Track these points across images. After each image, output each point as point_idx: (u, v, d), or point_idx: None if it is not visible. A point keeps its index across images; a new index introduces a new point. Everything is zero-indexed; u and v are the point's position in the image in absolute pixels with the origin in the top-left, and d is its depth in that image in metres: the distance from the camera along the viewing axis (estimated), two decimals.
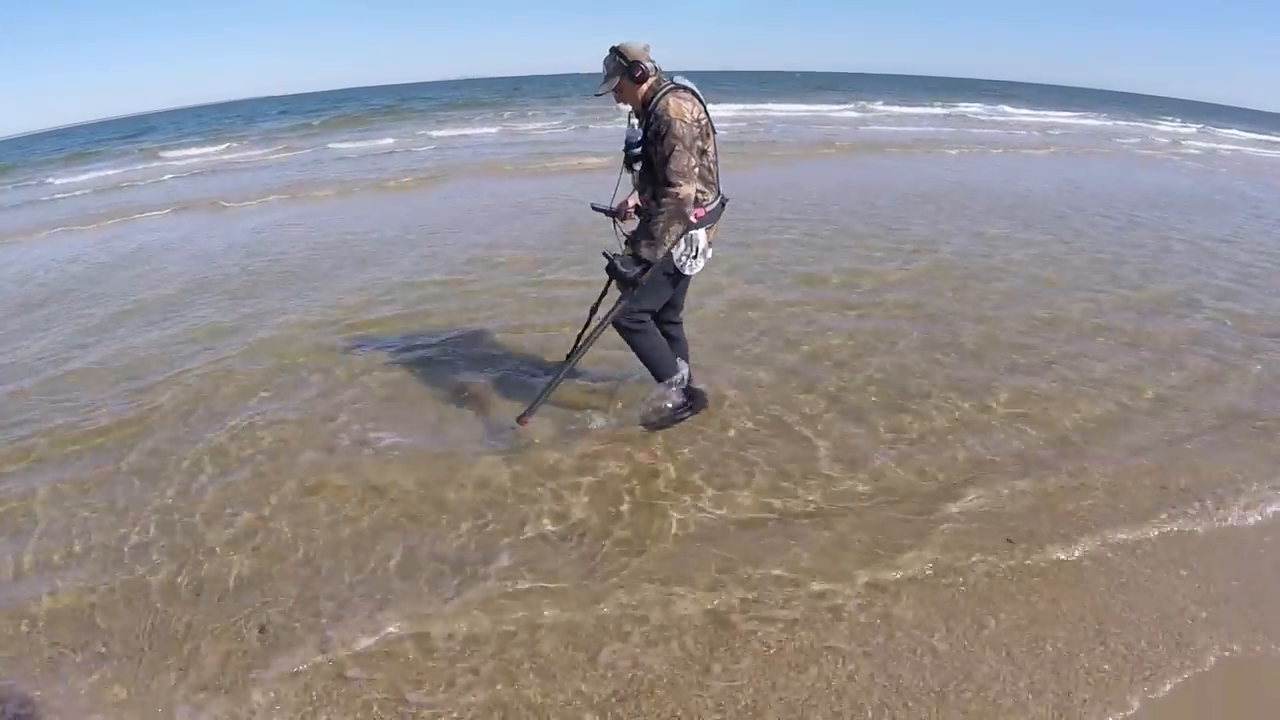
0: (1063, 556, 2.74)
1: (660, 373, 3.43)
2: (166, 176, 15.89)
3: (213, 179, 14.80)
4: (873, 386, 4.09)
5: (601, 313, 3.56)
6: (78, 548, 2.90)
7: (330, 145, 19.53)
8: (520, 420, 3.33)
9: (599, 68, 3.05)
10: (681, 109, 2.91)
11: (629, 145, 3.10)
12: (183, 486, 3.25)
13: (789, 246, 7.16)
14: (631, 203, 3.37)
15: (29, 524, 3.08)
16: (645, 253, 3.02)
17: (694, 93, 3.01)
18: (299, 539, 2.88)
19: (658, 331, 3.40)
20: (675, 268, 3.18)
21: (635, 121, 3.10)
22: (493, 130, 21.52)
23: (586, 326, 3.83)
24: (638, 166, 3.13)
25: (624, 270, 3.04)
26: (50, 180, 16.77)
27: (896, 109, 31.25)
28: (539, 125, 22.49)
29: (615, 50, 2.99)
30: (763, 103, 30.46)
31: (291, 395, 4.09)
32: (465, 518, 2.96)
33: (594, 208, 3.51)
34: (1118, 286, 6.09)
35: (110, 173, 17.70)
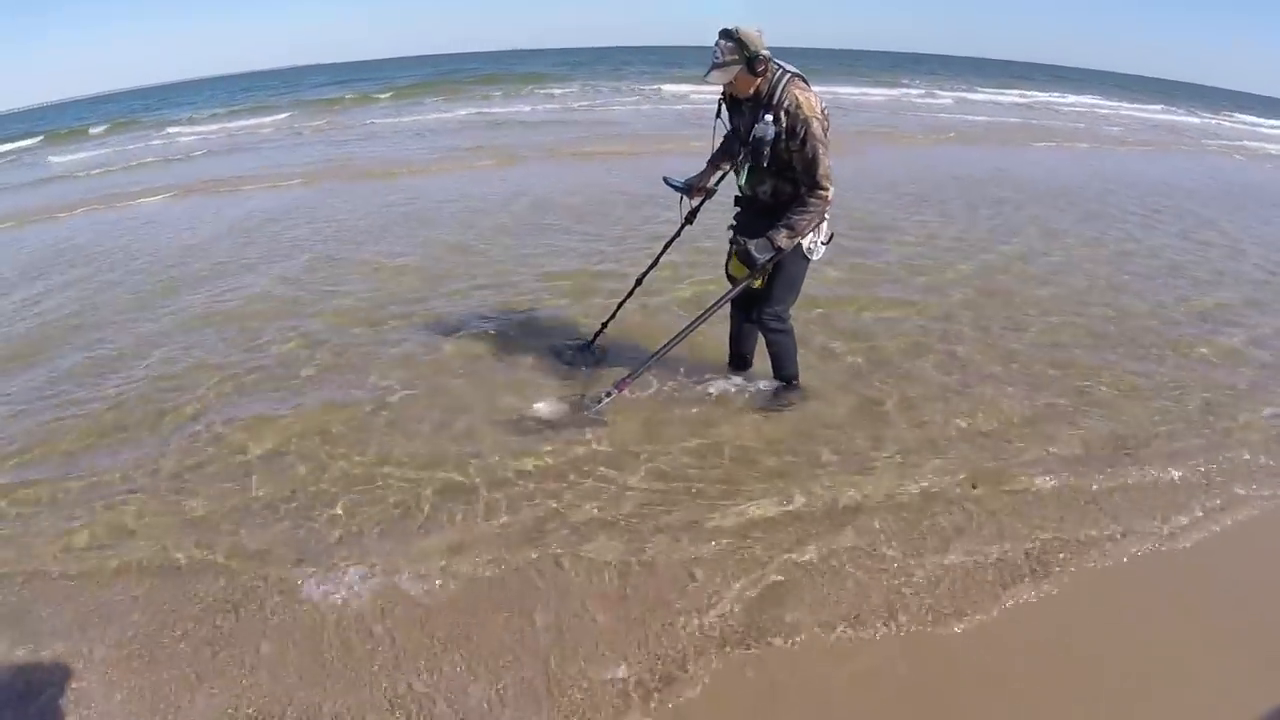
0: None
1: (793, 374, 3.61)
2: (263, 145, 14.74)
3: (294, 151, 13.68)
4: None
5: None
6: None
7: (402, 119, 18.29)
8: (619, 385, 3.34)
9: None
10: (812, 104, 2.90)
11: (760, 141, 2.95)
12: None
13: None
14: (703, 183, 3.47)
15: None
16: (784, 241, 3.04)
17: (804, 80, 2.96)
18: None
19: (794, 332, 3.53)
20: (805, 256, 3.21)
21: (766, 116, 2.91)
22: (542, 108, 20.16)
23: (629, 296, 3.98)
24: (765, 162, 3.02)
25: (757, 255, 3.06)
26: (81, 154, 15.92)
27: (959, 94, 29.26)
28: (599, 102, 21.29)
29: (734, 37, 2.83)
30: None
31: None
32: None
33: (666, 181, 3.58)
34: None
35: (138, 146, 16.73)
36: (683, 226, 3.65)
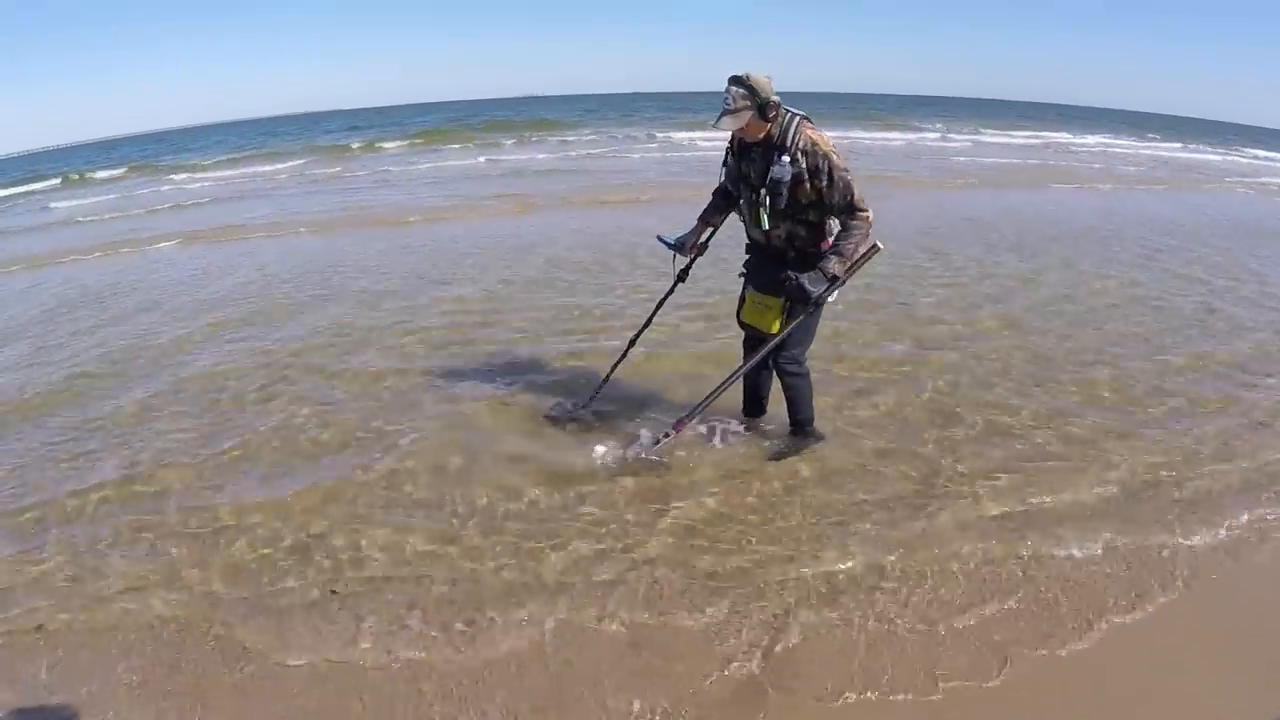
0: None
1: (809, 418, 3.53)
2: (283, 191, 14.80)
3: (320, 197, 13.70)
4: None
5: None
6: None
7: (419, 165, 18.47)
8: (676, 426, 3.33)
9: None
10: (826, 140, 2.95)
11: (777, 183, 2.95)
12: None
13: None
14: (695, 240, 3.49)
15: None
16: (836, 269, 3.02)
17: (810, 121, 3.00)
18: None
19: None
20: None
21: (782, 158, 2.93)
22: (554, 155, 20.32)
23: (623, 356, 3.94)
24: (783, 205, 3.02)
25: (811, 289, 3.01)
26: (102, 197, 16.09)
27: (973, 136, 29.34)
28: (600, 150, 21.49)
29: (744, 84, 2.84)
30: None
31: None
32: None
33: (659, 239, 3.57)
34: None
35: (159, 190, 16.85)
36: (675, 284, 3.69)
